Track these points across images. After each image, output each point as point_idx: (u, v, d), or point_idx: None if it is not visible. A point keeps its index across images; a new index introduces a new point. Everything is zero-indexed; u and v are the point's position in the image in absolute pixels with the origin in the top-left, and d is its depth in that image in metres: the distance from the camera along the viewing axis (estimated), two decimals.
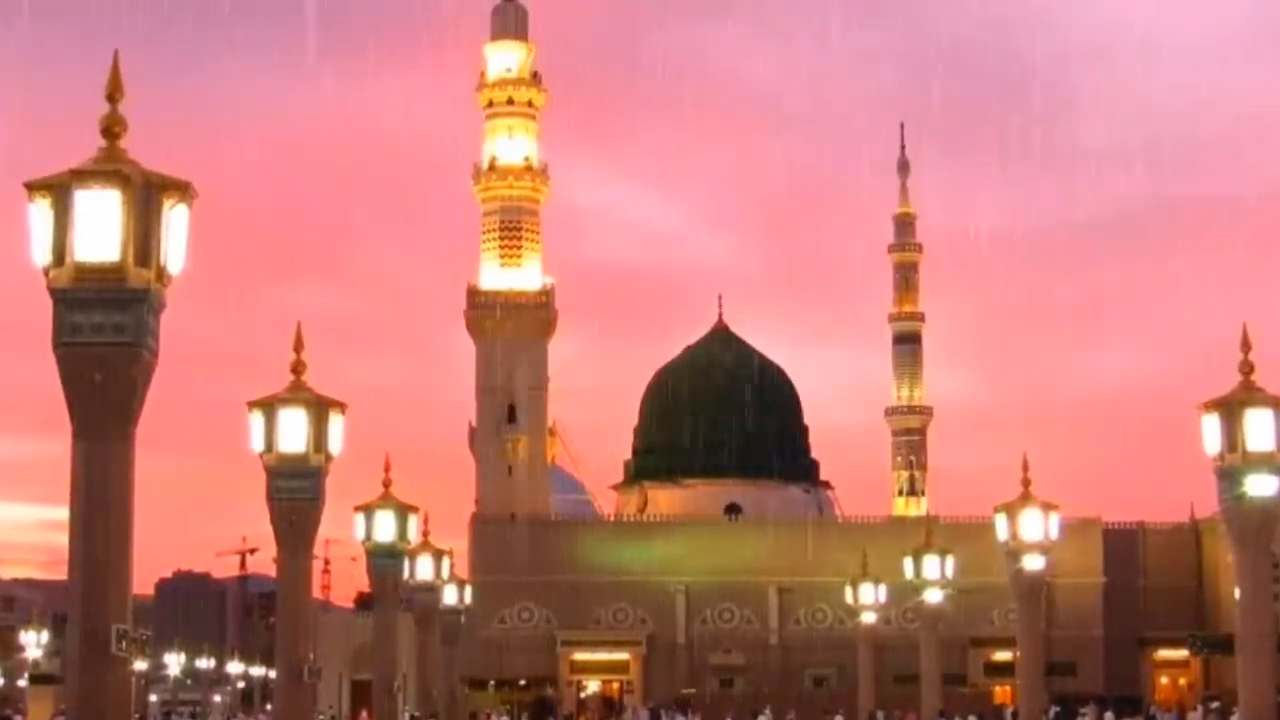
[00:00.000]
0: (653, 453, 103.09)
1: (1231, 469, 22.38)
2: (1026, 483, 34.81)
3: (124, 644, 12.15)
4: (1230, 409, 22.45)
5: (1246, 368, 22.77)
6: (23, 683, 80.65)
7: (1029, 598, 35.59)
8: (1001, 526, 34.88)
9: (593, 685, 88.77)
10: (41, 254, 12.23)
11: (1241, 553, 22.78)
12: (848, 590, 56.60)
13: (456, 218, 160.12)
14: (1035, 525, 34.60)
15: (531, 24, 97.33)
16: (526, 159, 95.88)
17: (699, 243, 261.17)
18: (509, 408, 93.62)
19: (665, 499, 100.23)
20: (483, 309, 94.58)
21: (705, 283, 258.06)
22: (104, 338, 12.15)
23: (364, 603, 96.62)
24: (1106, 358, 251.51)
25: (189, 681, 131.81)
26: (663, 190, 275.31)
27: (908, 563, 46.93)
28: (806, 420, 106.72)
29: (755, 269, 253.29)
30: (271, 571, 32.59)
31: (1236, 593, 23.31)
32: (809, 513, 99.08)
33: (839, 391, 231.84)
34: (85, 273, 12.12)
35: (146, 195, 12.24)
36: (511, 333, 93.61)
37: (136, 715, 58.95)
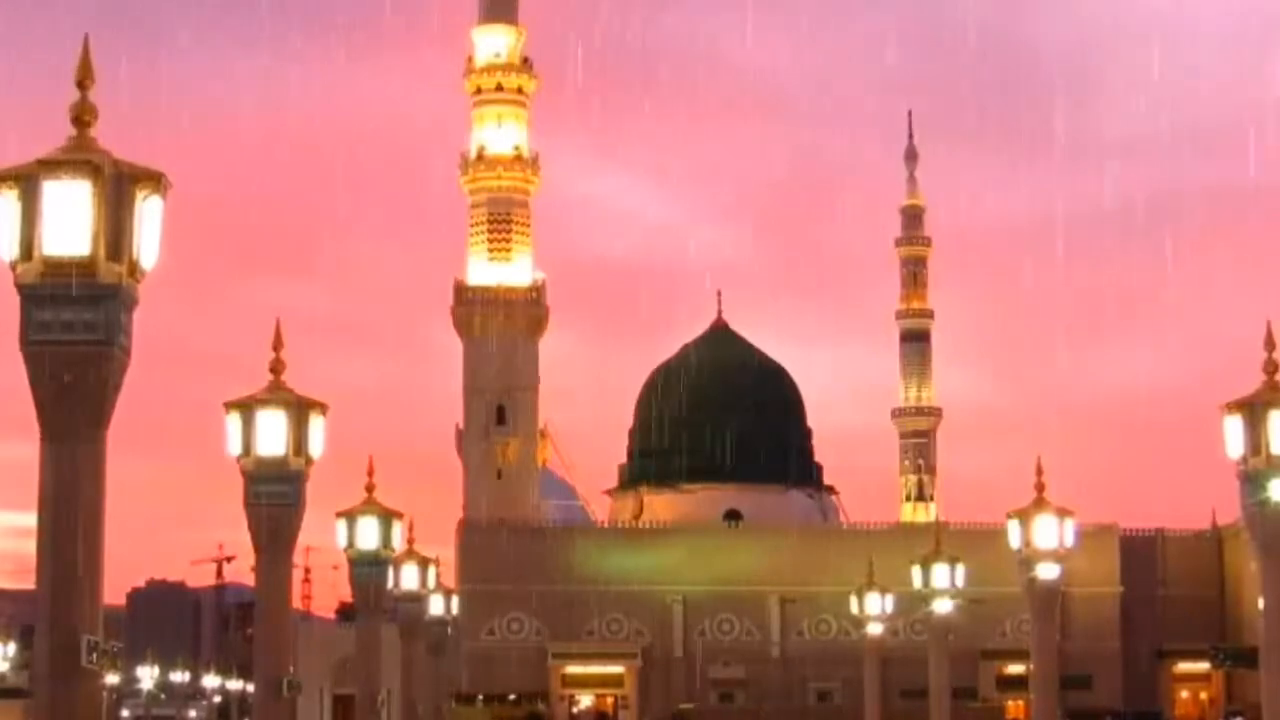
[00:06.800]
0: (649, 456, 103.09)
1: (1255, 473, 22.38)
2: (1040, 487, 34.83)
3: (94, 656, 12.15)
4: (1254, 410, 22.44)
5: (1271, 367, 22.77)
6: None
7: (1043, 608, 35.61)
8: (1014, 533, 34.92)
9: (586, 700, 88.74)
10: (8, 248, 12.23)
11: (1266, 560, 22.79)
12: (853, 600, 56.58)
13: (443, 210, 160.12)
14: (1049, 532, 34.62)
15: (521, 6, 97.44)
16: (516, 148, 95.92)
17: (697, 236, 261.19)
18: (498, 409, 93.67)
19: (662, 505, 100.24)
20: (471, 305, 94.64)
21: (704, 278, 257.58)
22: (74, 336, 12.15)
23: (346, 613, 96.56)
24: (1124, 356, 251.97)
25: (163, 695, 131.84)
26: (659, 181, 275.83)
27: (916, 571, 46.92)
28: (810, 422, 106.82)
29: (756, 263, 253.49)
30: (249, 580, 32.60)
31: (1260, 602, 23.29)
32: (812, 519, 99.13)
33: (844, 392, 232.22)
34: (54, 268, 12.12)
35: (118, 186, 12.24)
36: (501, 330, 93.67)
37: None
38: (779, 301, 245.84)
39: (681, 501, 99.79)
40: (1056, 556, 34.73)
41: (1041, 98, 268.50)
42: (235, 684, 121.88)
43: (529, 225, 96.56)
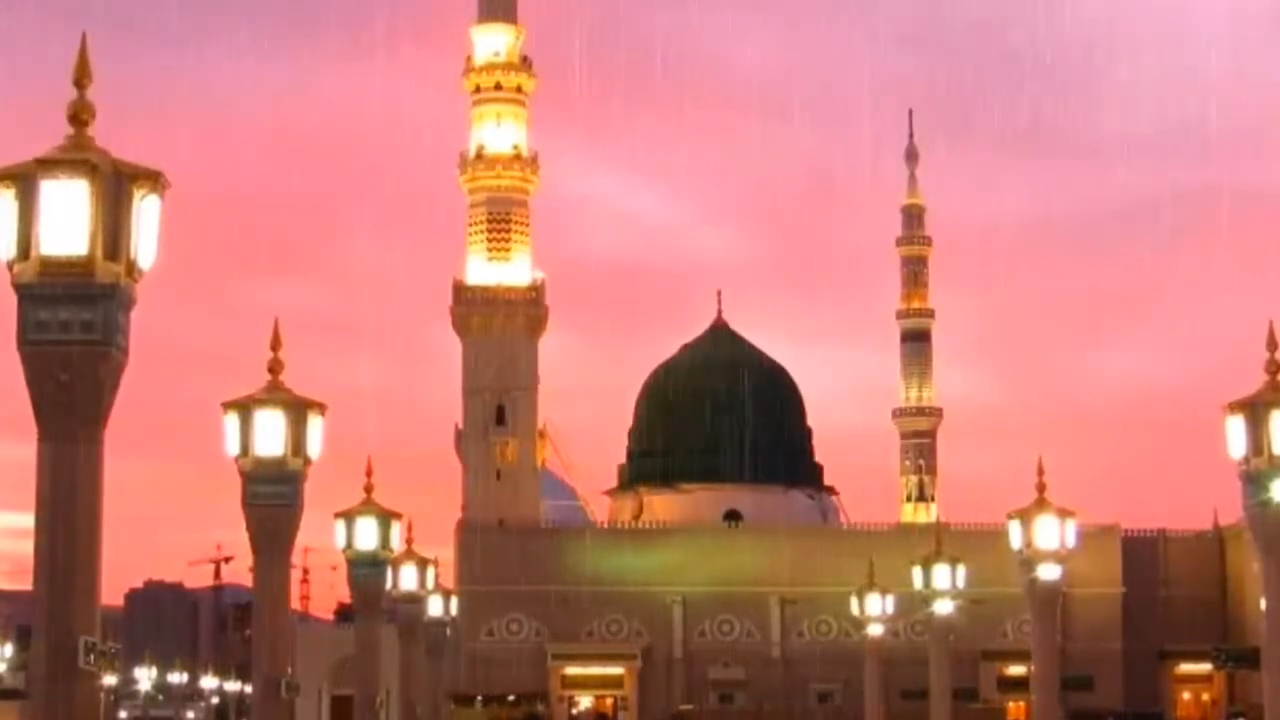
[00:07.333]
0: (648, 456, 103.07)
1: (1257, 473, 22.32)
2: (1041, 488, 34.78)
3: (92, 657, 12.14)
4: (1256, 410, 22.39)
5: (1273, 367, 22.73)
6: None
7: (1044, 609, 35.57)
8: (1015, 534, 34.86)
9: (585, 701, 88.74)
10: (5, 247, 12.21)
11: (1268, 561, 22.74)
12: (853, 601, 56.51)
13: (442, 209, 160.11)
14: (1051, 532, 34.57)
15: (521, 5, 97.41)
16: (515, 147, 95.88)
17: (697, 235, 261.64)
18: (497, 409, 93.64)
19: (662, 505, 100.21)
20: (470, 305, 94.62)
21: (704, 278, 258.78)
22: (71, 335, 12.13)
23: (345, 614, 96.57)
24: (1126, 356, 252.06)
25: (160, 697, 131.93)
26: (659, 180, 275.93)
27: (916, 572, 46.87)
28: (810, 422, 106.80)
29: (756, 263, 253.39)
30: (247, 581, 32.56)
31: (1263, 603, 23.26)
32: (812, 519, 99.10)
33: (844, 392, 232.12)
34: (51, 267, 12.10)
35: (116, 185, 12.22)
36: (500, 330, 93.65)
37: None
38: (779, 301, 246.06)
39: (681, 502, 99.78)
40: (1058, 557, 34.68)
41: (1042, 97, 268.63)
42: (233, 685, 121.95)
43: (528, 225, 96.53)
